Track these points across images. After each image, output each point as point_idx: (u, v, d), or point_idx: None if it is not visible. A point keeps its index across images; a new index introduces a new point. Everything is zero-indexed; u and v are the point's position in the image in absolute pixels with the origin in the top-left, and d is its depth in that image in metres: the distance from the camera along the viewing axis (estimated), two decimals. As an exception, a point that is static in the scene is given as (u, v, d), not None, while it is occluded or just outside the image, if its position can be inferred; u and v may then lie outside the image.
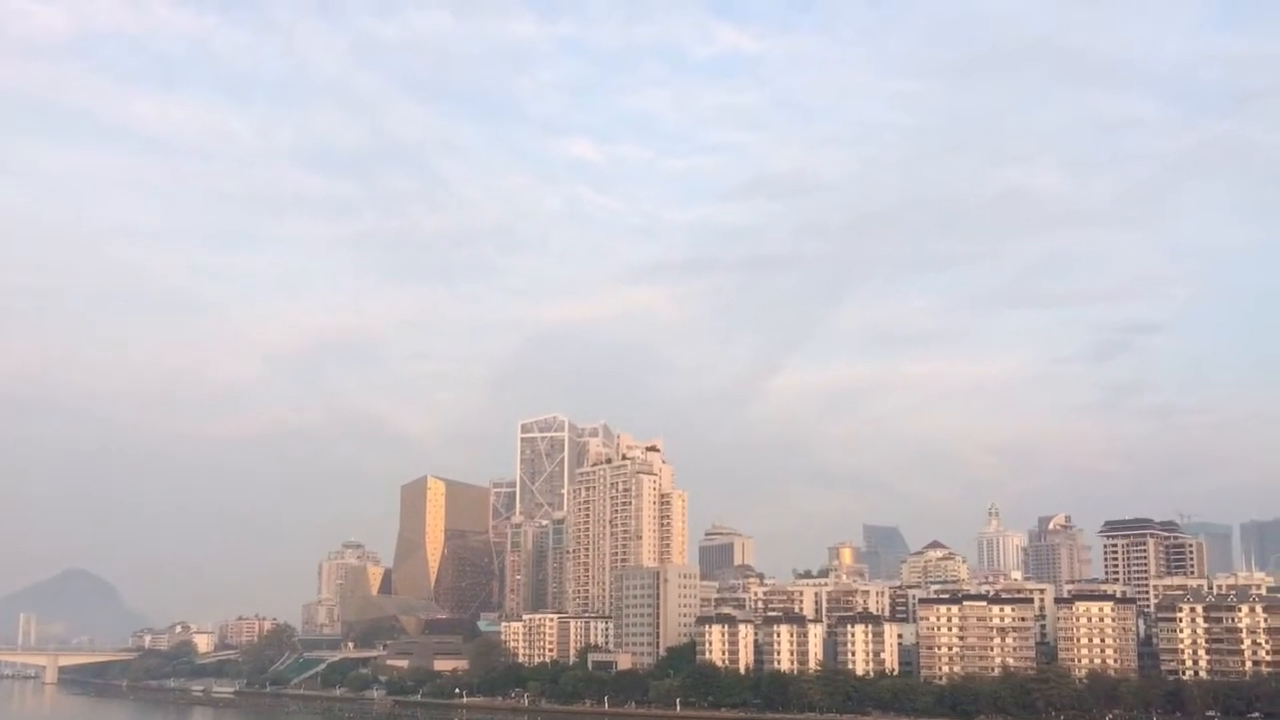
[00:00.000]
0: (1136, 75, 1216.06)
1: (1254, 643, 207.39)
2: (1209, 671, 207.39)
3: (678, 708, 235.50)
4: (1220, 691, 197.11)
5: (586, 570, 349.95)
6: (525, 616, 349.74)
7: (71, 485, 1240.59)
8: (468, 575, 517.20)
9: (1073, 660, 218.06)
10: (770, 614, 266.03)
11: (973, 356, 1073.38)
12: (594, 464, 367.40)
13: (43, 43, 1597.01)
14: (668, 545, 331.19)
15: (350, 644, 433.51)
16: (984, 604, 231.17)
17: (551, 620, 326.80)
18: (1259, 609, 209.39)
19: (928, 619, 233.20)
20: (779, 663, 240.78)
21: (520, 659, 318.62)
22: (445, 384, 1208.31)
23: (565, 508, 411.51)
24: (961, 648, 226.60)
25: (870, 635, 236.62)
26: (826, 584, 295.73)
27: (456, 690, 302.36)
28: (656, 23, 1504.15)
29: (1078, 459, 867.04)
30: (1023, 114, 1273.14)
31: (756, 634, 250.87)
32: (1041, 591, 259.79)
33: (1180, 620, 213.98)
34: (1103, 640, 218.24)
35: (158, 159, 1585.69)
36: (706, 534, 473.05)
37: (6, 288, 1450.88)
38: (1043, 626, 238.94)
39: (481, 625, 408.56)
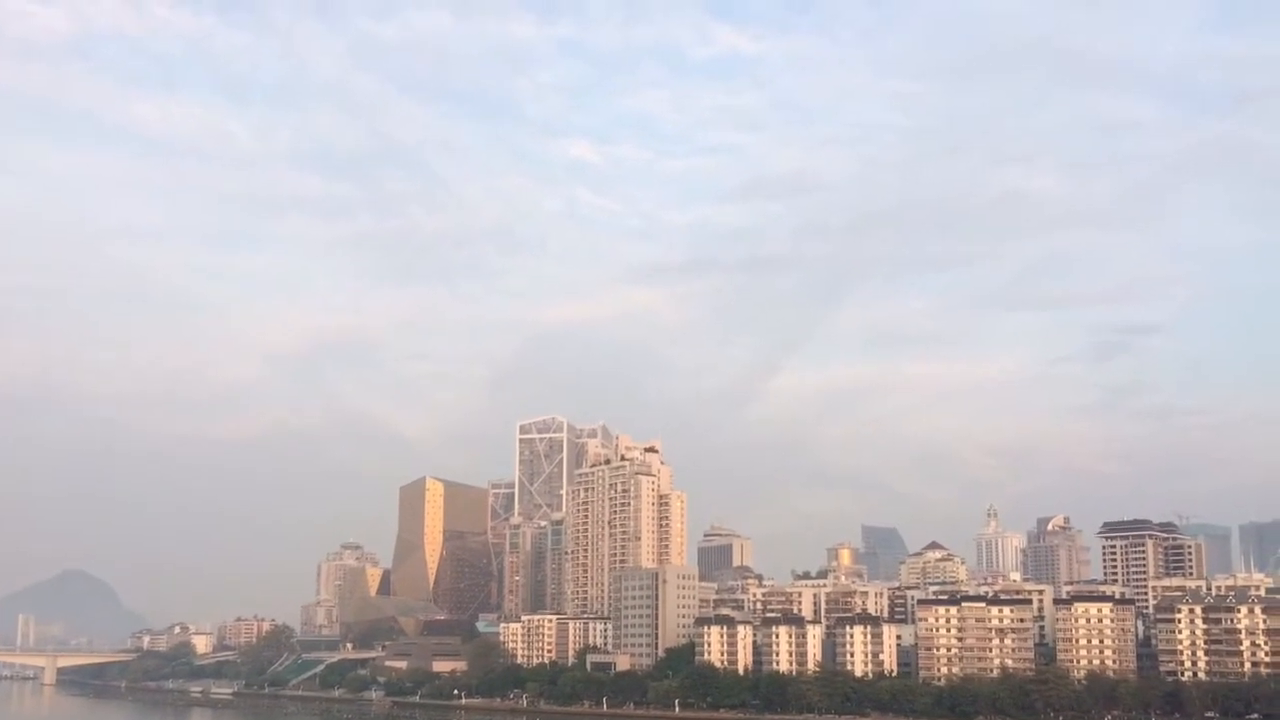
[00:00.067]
0: (1136, 76, 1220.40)
1: (1253, 644, 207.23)
2: (1208, 673, 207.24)
3: (676, 709, 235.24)
4: (1219, 692, 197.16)
5: (585, 571, 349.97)
6: (524, 617, 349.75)
7: (72, 486, 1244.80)
8: (466, 576, 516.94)
9: (1071, 661, 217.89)
10: (769, 615, 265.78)
11: (972, 357, 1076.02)
12: (593, 465, 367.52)
13: (43, 44, 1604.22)
14: (666, 546, 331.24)
15: (349, 645, 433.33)
16: (983, 605, 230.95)
17: (550, 621, 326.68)
18: (1258, 610, 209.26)
19: (926, 620, 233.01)
20: (778, 664, 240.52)
21: (519, 660, 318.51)
22: (444, 385, 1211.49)
23: (564, 509, 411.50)
24: (960, 649, 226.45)
25: (869, 636, 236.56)
26: (825, 585, 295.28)
27: (455, 691, 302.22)
28: (655, 24, 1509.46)
29: (1077, 460, 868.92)
30: (1022, 115, 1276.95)
31: (755, 635, 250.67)
32: (1040, 592, 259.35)
33: (1179, 621, 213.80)
34: (1101, 641, 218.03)
35: (158, 160, 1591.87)
36: (705, 535, 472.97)
37: (8, 288, 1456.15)
38: (1041, 628, 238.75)
39: (480, 626, 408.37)
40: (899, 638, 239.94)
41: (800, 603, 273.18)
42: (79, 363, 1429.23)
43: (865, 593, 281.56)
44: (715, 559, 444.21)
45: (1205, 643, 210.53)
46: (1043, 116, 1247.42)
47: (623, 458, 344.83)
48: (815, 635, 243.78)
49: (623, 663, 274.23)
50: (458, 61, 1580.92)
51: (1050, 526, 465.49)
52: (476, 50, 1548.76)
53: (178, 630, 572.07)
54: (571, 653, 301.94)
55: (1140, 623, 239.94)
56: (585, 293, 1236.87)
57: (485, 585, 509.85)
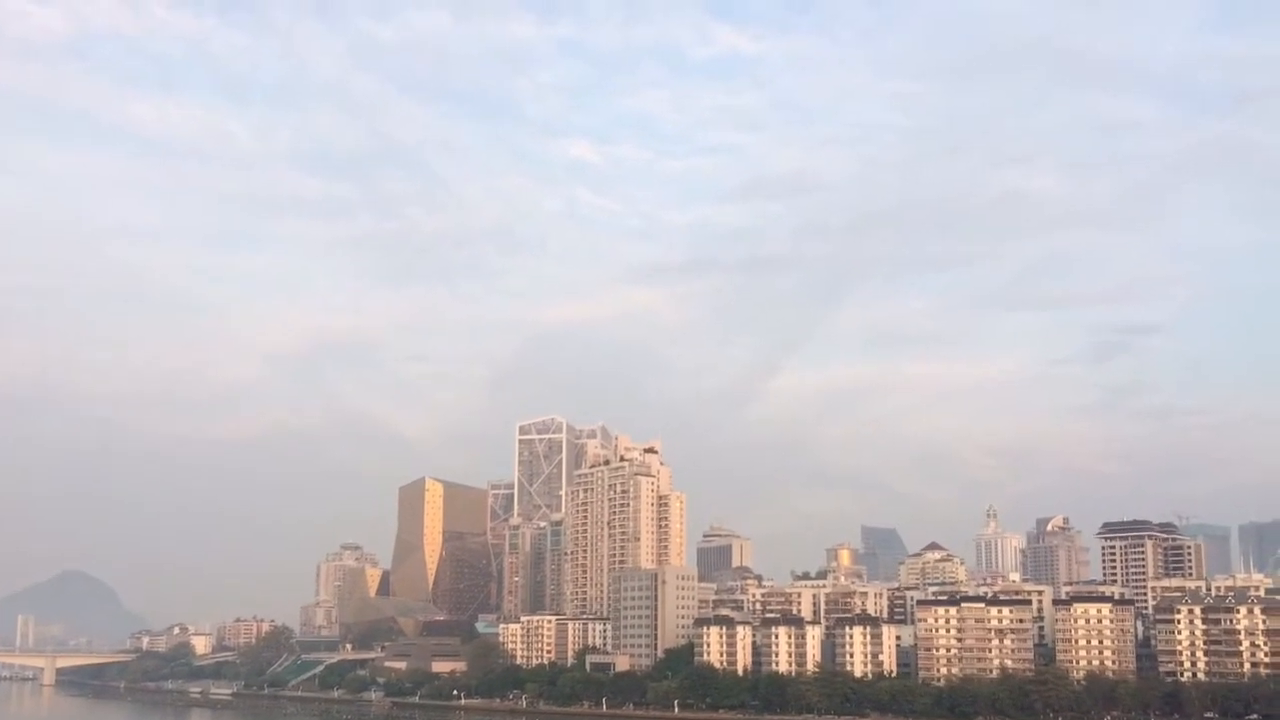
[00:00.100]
0: (1136, 76, 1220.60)
1: (1252, 644, 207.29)
2: (1207, 673, 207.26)
3: (675, 709, 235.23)
4: (1218, 693, 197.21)
5: (584, 572, 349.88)
6: (523, 618, 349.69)
7: (70, 486, 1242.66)
8: (466, 577, 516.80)
9: (1071, 662, 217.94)
10: (768, 615, 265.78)
11: (972, 357, 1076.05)
12: (592, 465, 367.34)
13: (41, 43, 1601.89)
14: (666, 547, 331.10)
15: (348, 645, 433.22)
16: (982, 606, 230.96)
17: (549, 622, 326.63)
18: (1257, 610, 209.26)
19: (926, 620, 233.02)
20: (777, 664, 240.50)
21: (518, 660, 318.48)
22: (444, 385, 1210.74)
23: (563, 509, 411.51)
24: (960, 649, 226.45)
25: (868, 637, 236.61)
26: (825, 585, 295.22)
27: (454, 692, 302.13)
28: (655, 24, 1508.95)
29: (1076, 460, 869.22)
30: (1021, 115, 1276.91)
31: (754, 635, 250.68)
32: (1040, 593, 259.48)
33: (1178, 622, 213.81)
34: (1101, 642, 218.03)
35: (156, 160, 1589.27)
36: (705, 535, 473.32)
37: (6, 288, 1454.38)
38: (1041, 628, 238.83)
39: (479, 627, 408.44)
40: (898, 638, 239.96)
41: (800, 603, 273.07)
42: (77, 362, 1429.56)
43: (865, 593, 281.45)
44: (715, 559, 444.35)
45: (1205, 643, 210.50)
46: (1043, 116, 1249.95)
47: (622, 458, 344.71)
48: (815, 636, 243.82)
49: (622, 663, 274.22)
50: (457, 61, 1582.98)
51: (1050, 527, 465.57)
52: (476, 50, 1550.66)
53: (177, 631, 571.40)
54: (571, 653, 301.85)
55: (1140, 623, 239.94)
56: (585, 293, 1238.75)
57: (484, 586, 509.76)
